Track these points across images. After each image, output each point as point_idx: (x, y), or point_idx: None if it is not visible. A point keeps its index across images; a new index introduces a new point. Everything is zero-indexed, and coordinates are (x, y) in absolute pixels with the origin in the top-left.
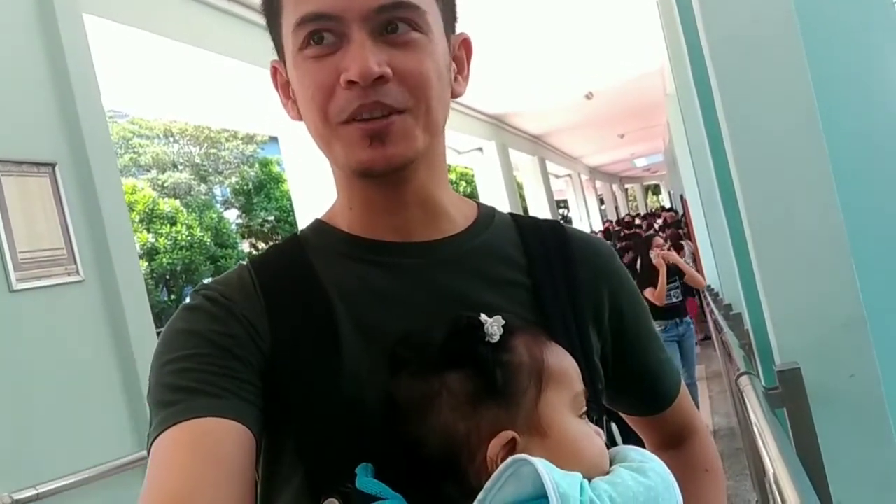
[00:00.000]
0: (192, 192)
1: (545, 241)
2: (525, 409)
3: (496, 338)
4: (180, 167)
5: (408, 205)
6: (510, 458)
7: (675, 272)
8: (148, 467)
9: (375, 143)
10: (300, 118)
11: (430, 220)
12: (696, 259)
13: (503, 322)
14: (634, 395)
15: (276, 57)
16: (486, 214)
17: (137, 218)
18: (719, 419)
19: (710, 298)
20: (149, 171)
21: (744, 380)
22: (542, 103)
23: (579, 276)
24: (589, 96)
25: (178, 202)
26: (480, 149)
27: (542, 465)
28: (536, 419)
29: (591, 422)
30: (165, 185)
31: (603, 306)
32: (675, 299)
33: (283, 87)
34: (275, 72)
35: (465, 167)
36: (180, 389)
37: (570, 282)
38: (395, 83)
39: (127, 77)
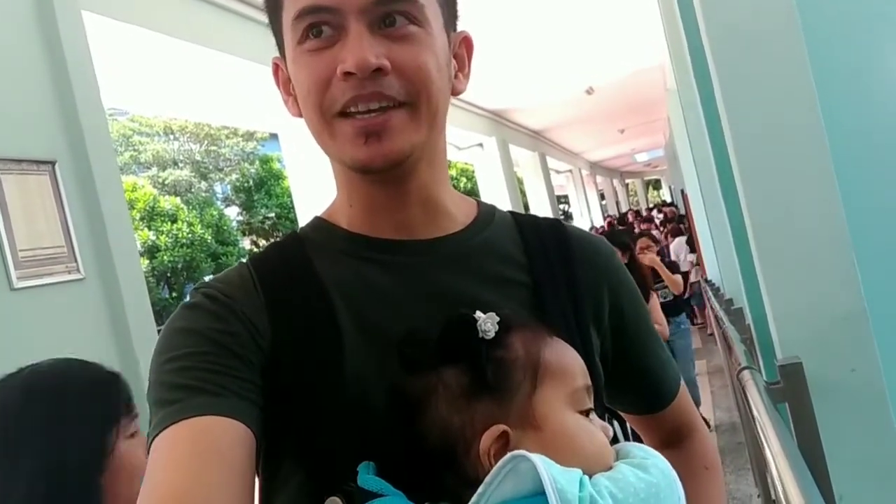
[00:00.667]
0: (193, 190)
1: (545, 239)
2: (519, 403)
3: (491, 334)
4: (181, 164)
5: (409, 202)
6: (509, 455)
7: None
8: (147, 465)
9: (371, 140)
10: (300, 115)
11: (431, 217)
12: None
13: (498, 319)
14: (634, 394)
15: (276, 53)
16: (487, 213)
17: (138, 216)
18: (721, 414)
19: (710, 293)
20: (149, 168)
21: (745, 374)
22: (543, 99)
23: (579, 275)
24: (589, 91)
25: (178, 200)
26: (481, 144)
27: (540, 461)
28: (530, 414)
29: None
30: (166, 182)
31: (603, 305)
32: (661, 299)
33: (285, 83)
34: (276, 68)
35: (466, 163)
36: (180, 388)
37: (571, 280)
38: (393, 76)
39: (127, 75)
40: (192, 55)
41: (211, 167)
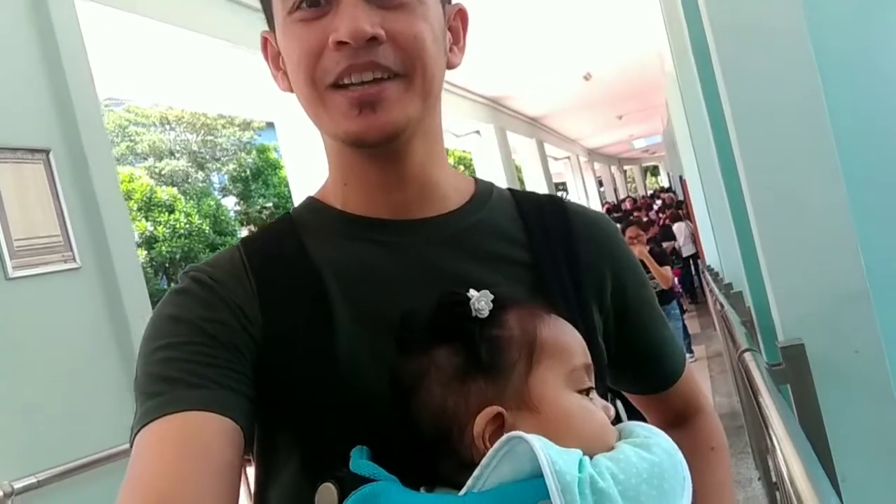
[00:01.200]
0: (190, 180)
1: (545, 216)
2: (514, 383)
3: (485, 312)
4: (177, 155)
5: (405, 181)
6: (505, 436)
7: (657, 257)
8: (130, 461)
9: (366, 111)
10: (290, 89)
11: (427, 196)
12: (695, 239)
13: (492, 297)
14: (637, 374)
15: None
16: (484, 191)
17: (136, 206)
18: (720, 398)
19: (709, 278)
20: (146, 159)
21: (747, 356)
22: (540, 85)
23: (580, 253)
24: (587, 77)
25: (175, 190)
26: (478, 132)
27: (537, 442)
28: (527, 394)
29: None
30: (163, 173)
31: (605, 283)
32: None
33: (274, 58)
34: (265, 43)
35: (464, 151)
36: (166, 380)
37: (572, 258)
38: (388, 45)
39: (122, 64)
40: (187, 42)
41: (208, 157)
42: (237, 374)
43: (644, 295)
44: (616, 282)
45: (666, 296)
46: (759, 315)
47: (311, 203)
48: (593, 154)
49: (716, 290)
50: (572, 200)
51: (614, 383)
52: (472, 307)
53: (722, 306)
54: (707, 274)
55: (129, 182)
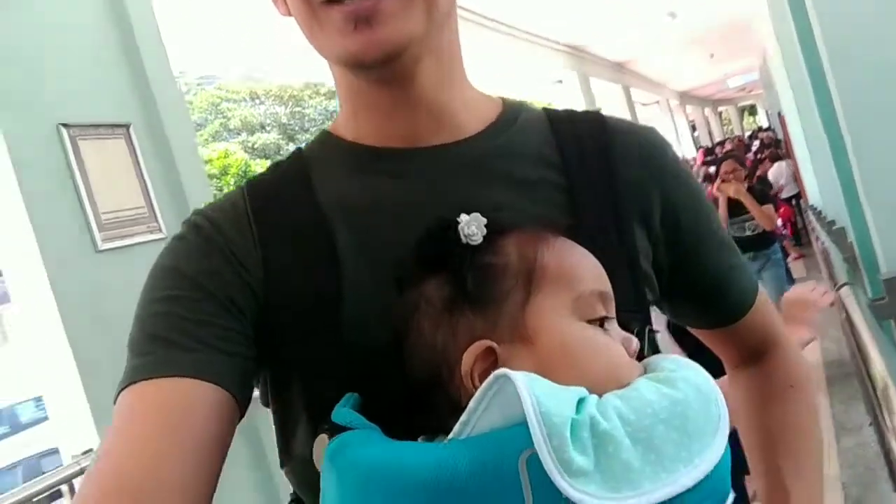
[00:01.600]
0: (281, 152)
1: (581, 135)
2: (509, 314)
3: (477, 238)
4: (268, 128)
5: (413, 105)
6: (492, 375)
7: (757, 195)
8: (111, 425)
9: (361, 27)
10: (289, 13)
11: (440, 122)
12: (796, 178)
13: (485, 221)
14: (699, 306)
15: None
16: (511, 111)
17: (232, 181)
18: (827, 344)
19: (812, 217)
20: (239, 134)
21: (845, 290)
22: (623, 27)
23: (623, 172)
24: (672, 15)
25: (269, 163)
26: (560, 81)
27: (523, 380)
28: (522, 325)
29: (626, 329)
30: (255, 146)
31: (652, 205)
32: (749, 232)
33: None
34: None
35: (549, 104)
36: (156, 339)
37: (612, 178)
38: None
39: (210, 39)
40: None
41: (297, 128)
42: (232, 332)
43: (702, 218)
44: (666, 203)
45: (766, 238)
46: (861, 249)
47: (323, 136)
48: (685, 97)
49: (818, 229)
50: (616, 116)
51: (675, 318)
52: (461, 233)
53: (823, 244)
54: (810, 213)
55: (225, 157)
